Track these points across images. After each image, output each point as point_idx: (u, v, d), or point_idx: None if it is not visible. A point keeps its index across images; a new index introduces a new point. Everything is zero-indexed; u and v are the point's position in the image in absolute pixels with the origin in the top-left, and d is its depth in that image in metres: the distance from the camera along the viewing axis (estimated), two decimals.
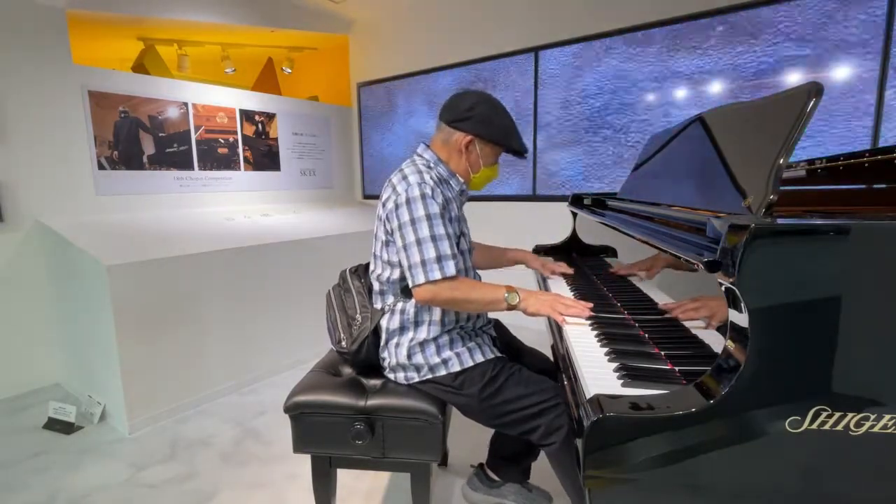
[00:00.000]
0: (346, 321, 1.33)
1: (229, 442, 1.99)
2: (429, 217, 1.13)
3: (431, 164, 1.26)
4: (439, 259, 1.11)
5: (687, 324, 0.95)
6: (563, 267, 1.54)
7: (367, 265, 1.47)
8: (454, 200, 1.26)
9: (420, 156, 1.29)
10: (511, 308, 1.16)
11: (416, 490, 1.26)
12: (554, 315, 1.12)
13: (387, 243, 1.22)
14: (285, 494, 1.65)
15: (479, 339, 1.27)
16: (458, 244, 1.23)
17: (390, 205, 1.18)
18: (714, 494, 0.67)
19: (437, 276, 1.10)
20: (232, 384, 2.45)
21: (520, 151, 1.26)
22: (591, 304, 1.13)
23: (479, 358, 1.21)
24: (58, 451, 1.93)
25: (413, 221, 1.13)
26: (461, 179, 1.29)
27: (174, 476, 1.76)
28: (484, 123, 1.22)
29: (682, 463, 0.66)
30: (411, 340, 1.22)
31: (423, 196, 1.14)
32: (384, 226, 1.22)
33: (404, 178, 1.19)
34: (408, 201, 1.14)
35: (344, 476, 1.60)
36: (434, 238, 1.12)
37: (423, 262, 1.11)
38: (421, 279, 1.11)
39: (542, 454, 1.27)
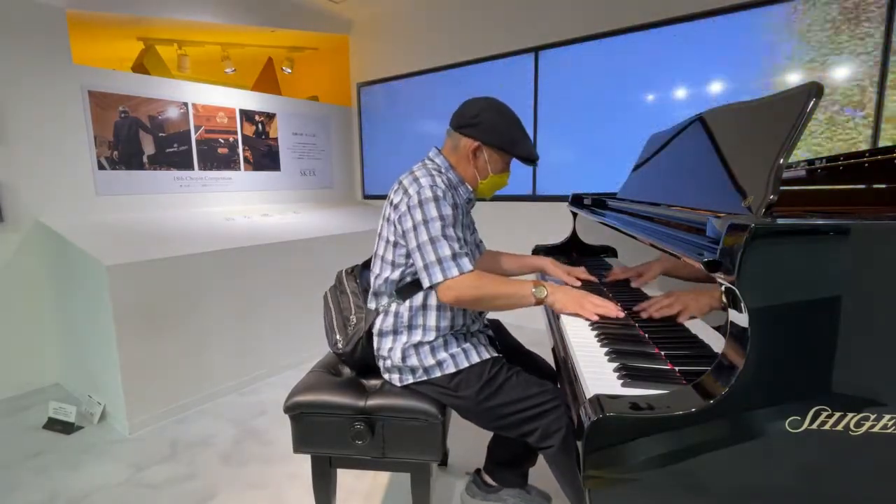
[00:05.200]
0: (341, 322, 1.34)
1: (229, 442, 1.99)
2: (442, 217, 1.13)
3: (442, 170, 1.26)
4: (455, 256, 1.11)
5: (686, 324, 0.95)
6: (584, 273, 1.46)
7: (363, 265, 1.47)
8: (462, 208, 1.26)
9: (431, 160, 1.29)
10: (539, 303, 1.15)
11: (416, 490, 1.26)
12: (583, 312, 1.10)
13: (395, 244, 1.21)
14: (285, 494, 1.65)
15: (474, 340, 1.26)
16: None
17: (402, 207, 1.17)
18: (714, 494, 0.67)
19: (455, 272, 1.10)
20: (232, 384, 2.45)
21: (527, 158, 1.26)
22: (619, 306, 1.10)
23: (475, 359, 1.20)
24: (58, 451, 1.93)
25: (426, 221, 1.12)
26: (470, 188, 1.30)
27: (174, 476, 1.76)
28: (490, 130, 1.23)
29: (682, 463, 0.66)
30: (405, 343, 1.21)
31: (436, 198, 1.14)
32: (394, 227, 1.20)
33: (415, 180, 1.19)
34: (420, 203, 1.14)
35: (344, 476, 1.60)
36: (448, 238, 1.12)
37: (440, 260, 1.10)
38: (439, 277, 1.10)
39: (541, 457, 1.27)
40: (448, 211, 1.15)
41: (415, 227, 1.14)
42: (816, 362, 0.64)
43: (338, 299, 1.40)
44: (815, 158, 1.53)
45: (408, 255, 1.20)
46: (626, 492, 0.69)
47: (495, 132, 1.23)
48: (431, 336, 1.21)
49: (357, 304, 1.35)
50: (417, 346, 1.21)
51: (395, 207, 1.20)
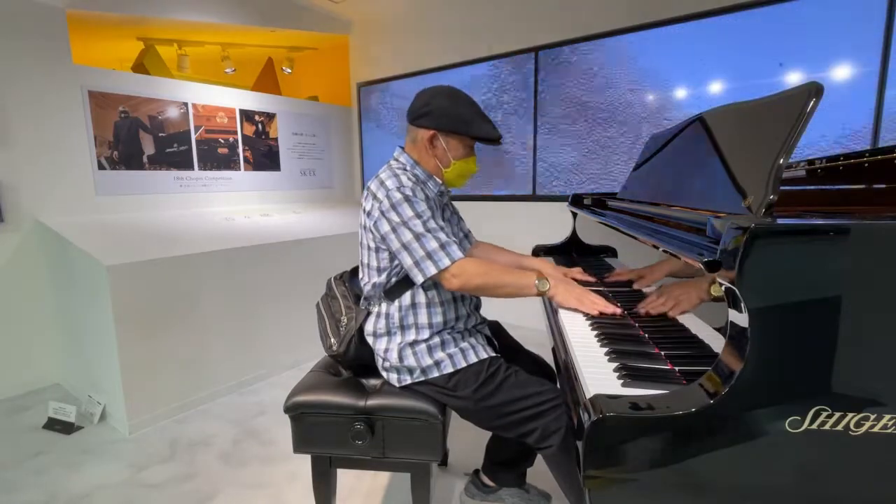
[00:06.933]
0: (334, 325, 1.34)
1: (229, 442, 1.99)
2: (418, 215, 1.14)
3: (407, 167, 1.26)
4: (443, 247, 1.12)
5: (686, 323, 0.95)
6: (580, 273, 1.45)
7: (352, 271, 1.49)
8: (434, 201, 1.26)
9: (396, 160, 1.29)
10: (540, 294, 1.17)
11: (416, 490, 1.26)
12: (581, 308, 1.12)
13: (377, 250, 1.22)
14: (285, 494, 1.65)
15: (472, 340, 1.26)
16: None
17: (375, 213, 1.17)
18: (714, 494, 0.67)
19: (447, 262, 1.11)
20: (232, 384, 2.45)
21: (487, 139, 1.23)
22: (619, 309, 1.11)
23: (473, 358, 1.20)
24: (58, 451, 1.93)
25: (404, 222, 1.13)
26: (439, 181, 1.29)
27: (174, 476, 1.76)
28: (442, 115, 1.22)
29: (682, 463, 0.66)
30: (400, 343, 1.22)
31: (407, 198, 1.14)
32: (371, 234, 1.21)
33: (381, 184, 1.19)
34: (393, 206, 1.14)
35: (344, 476, 1.60)
36: (431, 230, 1.13)
37: (430, 254, 1.11)
38: (432, 270, 1.11)
39: (540, 457, 1.27)
40: (422, 207, 1.15)
41: (394, 230, 1.14)
42: (816, 362, 0.64)
43: (329, 304, 1.42)
44: (815, 158, 1.52)
45: (391, 258, 1.20)
46: (626, 492, 0.69)
47: (447, 116, 1.22)
48: (426, 334, 1.21)
49: (347, 305, 1.36)
50: (413, 344, 1.21)
51: (369, 214, 1.20)
